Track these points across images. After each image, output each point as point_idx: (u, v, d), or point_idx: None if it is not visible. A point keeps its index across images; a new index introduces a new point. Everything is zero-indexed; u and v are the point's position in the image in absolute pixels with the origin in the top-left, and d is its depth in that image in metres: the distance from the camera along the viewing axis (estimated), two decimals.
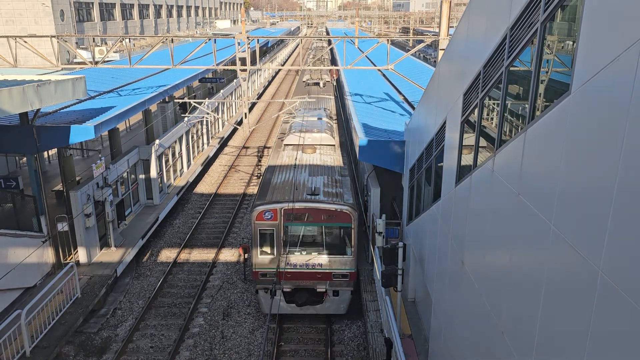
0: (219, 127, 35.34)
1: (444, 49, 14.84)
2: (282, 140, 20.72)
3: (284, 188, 15.13)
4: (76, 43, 45.42)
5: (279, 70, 68.97)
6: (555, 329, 4.71)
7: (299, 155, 18.21)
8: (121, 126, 27.92)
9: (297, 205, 14.02)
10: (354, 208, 14.19)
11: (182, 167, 26.74)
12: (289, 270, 14.41)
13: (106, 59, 28.32)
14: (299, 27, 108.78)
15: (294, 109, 25.51)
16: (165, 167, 24.06)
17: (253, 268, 14.59)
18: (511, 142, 6.04)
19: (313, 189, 14.75)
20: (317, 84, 34.34)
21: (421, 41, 44.34)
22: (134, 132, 29.37)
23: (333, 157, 18.12)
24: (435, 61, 42.48)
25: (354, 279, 14.66)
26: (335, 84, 37.97)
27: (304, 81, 35.59)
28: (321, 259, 14.40)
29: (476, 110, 7.72)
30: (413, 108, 20.01)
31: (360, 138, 15.26)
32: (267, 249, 14.44)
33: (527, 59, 5.84)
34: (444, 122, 9.91)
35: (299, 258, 14.40)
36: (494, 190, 6.66)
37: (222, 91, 35.65)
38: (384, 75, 31.11)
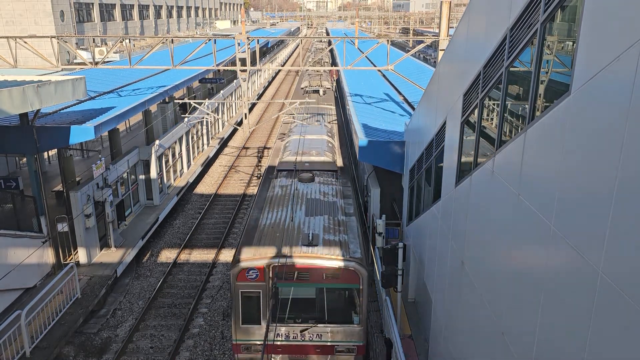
0: (219, 128, 35.36)
1: (443, 50, 14.85)
2: (274, 164, 17.87)
3: (273, 234, 12.13)
4: (76, 44, 45.43)
5: (279, 70, 68.99)
6: (555, 329, 4.71)
7: (294, 185, 15.27)
8: (121, 127, 27.91)
9: (290, 260, 11.10)
10: (362, 264, 11.28)
11: (182, 168, 26.75)
12: (279, 342, 11.56)
13: (106, 60, 28.33)
14: (299, 28, 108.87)
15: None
16: (165, 168, 24.07)
17: (233, 339, 11.66)
18: (511, 143, 6.04)
19: (311, 236, 11.76)
20: (317, 91, 31.20)
21: (421, 42, 44.38)
22: (134, 132, 29.38)
23: (335, 188, 15.24)
24: (435, 62, 42.50)
25: (363, 353, 11.88)
26: (335, 84, 37.80)
27: (302, 88, 32.38)
28: (321, 329, 11.51)
29: (476, 111, 7.72)
30: (413, 108, 20.02)
31: (360, 138, 15.26)
32: (252, 316, 11.45)
33: (527, 60, 5.84)
34: (444, 123, 9.91)
35: (292, 328, 11.48)
36: (493, 191, 6.66)
37: (222, 92, 35.67)
38: (384, 75, 31.12)
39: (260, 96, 50.68)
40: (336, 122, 24.49)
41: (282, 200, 14.21)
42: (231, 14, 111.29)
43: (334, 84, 37.65)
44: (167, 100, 25.82)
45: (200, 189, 27.11)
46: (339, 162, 18.16)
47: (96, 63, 19.36)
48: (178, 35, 70.27)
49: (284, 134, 22.10)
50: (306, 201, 14.00)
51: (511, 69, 6.34)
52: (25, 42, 18.54)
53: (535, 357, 5.14)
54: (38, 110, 15.40)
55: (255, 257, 11.24)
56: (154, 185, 22.45)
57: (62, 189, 19.05)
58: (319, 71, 37.35)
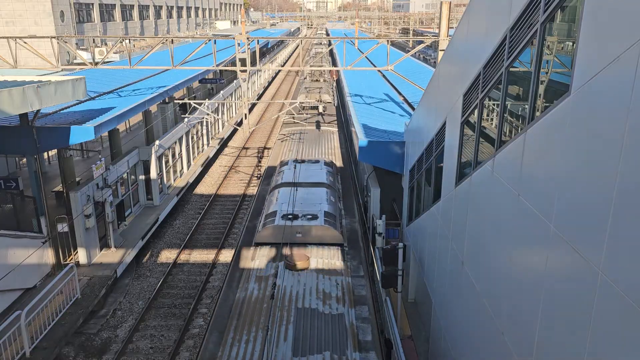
0: (219, 128, 35.37)
1: (443, 50, 14.86)
2: (260, 219, 12.93)
3: None
4: (76, 44, 45.44)
5: (279, 71, 69.01)
6: (555, 330, 4.71)
7: (279, 275, 10.12)
8: (121, 127, 27.94)
9: None
10: None
11: (182, 168, 26.76)
12: None
13: (106, 60, 28.34)
14: (299, 28, 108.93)
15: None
16: (165, 168, 24.07)
17: None
18: (511, 143, 6.04)
19: None
20: (316, 107, 26.30)
21: (421, 42, 44.42)
22: (134, 133, 29.38)
23: (341, 282, 9.97)
24: (435, 62, 42.51)
25: None
26: (335, 85, 37.68)
27: (299, 101, 26.77)
28: None
29: (476, 111, 7.72)
30: (413, 109, 20.03)
31: (360, 139, 15.27)
32: None
33: (527, 60, 5.84)
34: (444, 123, 9.91)
35: None
36: (493, 191, 6.66)
37: (222, 92, 35.69)
38: (383, 76, 31.14)
39: (260, 96, 50.69)
40: (340, 151, 19.64)
41: (256, 312, 9.12)
42: (231, 15, 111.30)
43: (334, 83, 37.50)
44: (167, 101, 25.82)
45: (200, 189, 27.11)
46: (344, 222, 13.24)
47: (96, 63, 19.37)
48: (178, 35, 70.27)
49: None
50: (295, 314, 8.96)
51: (511, 69, 6.34)
52: (25, 43, 18.55)
53: (535, 357, 5.14)
54: (38, 111, 15.40)
55: None
56: (154, 186, 22.45)
57: (62, 190, 19.05)
58: (318, 80, 34.00)
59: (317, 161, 16.69)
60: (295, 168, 15.80)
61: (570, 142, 4.47)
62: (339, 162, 18.25)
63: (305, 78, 36.39)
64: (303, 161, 16.67)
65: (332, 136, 21.48)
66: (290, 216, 12.09)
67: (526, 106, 5.72)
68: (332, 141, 20.69)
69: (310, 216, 12.16)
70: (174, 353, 14.02)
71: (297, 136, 21.78)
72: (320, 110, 26.02)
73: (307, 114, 23.12)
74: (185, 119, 26.26)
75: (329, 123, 23.42)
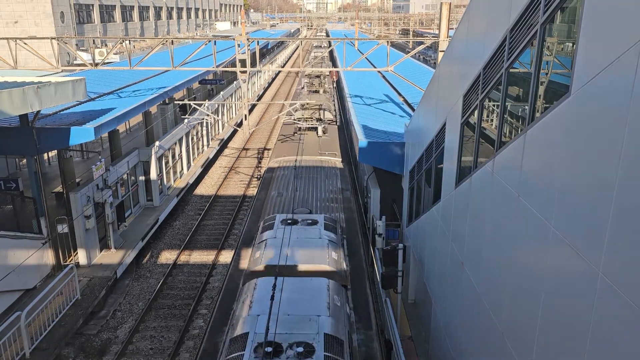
0: (219, 129, 35.37)
1: (443, 51, 14.87)
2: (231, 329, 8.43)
3: None
4: (76, 45, 45.46)
5: (279, 72, 69.03)
6: (555, 330, 4.71)
7: None
8: (121, 128, 27.94)
9: None
10: None
11: (182, 169, 26.76)
12: None
13: (106, 61, 28.33)
14: (298, 29, 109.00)
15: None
16: (165, 169, 24.08)
17: None
18: (511, 144, 6.04)
19: None
20: (315, 129, 23.07)
21: (421, 43, 44.46)
22: (134, 133, 29.38)
23: None
24: (435, 63, 42.51)
25: None
26: (335, 86, 37.58)
27: (294, 119, 23.59)
28: None
29: (476, 112, 7.72)
30: (413, 110, 20.03)
31: (360, 140, 15.27)
32: None
33: (526, 61, 5.84)
34: (444, 124, 9.91)
35: None
36: (493, 192, 6.66)
37: (222, 93, 35.71)
38: (383, 77, 31.14)
39: (260, 97, 50.70)
40: (350, 196, 15.89)
41: None
42: (231, 15, 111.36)
43: (334, 85, 37.40)
44: (167, 102, 25.83)
45: (200, 190, 27.11)
46: (357, 337, 9.37)
47: (96, 64, 19.37)
48: (178, 36, 70.33)
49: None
50: None
51: (511, 70, 6.34)
52: (25, 44, 18.55)
53: (535, 357, 5.14)
54: (38, 112, 15.40)
55: None
56: (153, 187, 22.45)
57: (62, 190, 19.04)
58: (318, 91, 30.58)
59: (314, 221, 12.03)
60: (283, 235, 11.10)
61: (570, 143, 4.48)
62: (345, 202, 15.28)
63: (303, 88, 32.21)
64: (296, 222, 12.00)
65: (333, 164, 18.77)
66: (268, 349, 7.30)
67: (526, 107, 5.72)
68: (333, 170, 17.85)
69: (301, 349, 7.42)
70: (174, 354, 14.02)
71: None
72: (320, 133, 22.12)
73: (300, 140, 18.35)
74: (185, 120, 26.26)
75: (330, 152, 20.09)
